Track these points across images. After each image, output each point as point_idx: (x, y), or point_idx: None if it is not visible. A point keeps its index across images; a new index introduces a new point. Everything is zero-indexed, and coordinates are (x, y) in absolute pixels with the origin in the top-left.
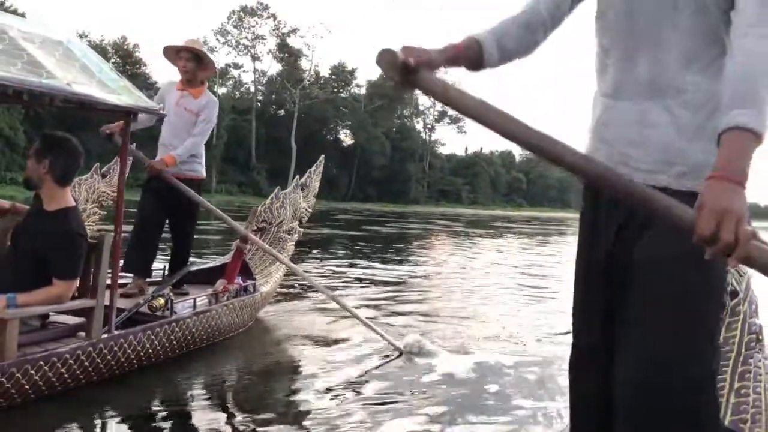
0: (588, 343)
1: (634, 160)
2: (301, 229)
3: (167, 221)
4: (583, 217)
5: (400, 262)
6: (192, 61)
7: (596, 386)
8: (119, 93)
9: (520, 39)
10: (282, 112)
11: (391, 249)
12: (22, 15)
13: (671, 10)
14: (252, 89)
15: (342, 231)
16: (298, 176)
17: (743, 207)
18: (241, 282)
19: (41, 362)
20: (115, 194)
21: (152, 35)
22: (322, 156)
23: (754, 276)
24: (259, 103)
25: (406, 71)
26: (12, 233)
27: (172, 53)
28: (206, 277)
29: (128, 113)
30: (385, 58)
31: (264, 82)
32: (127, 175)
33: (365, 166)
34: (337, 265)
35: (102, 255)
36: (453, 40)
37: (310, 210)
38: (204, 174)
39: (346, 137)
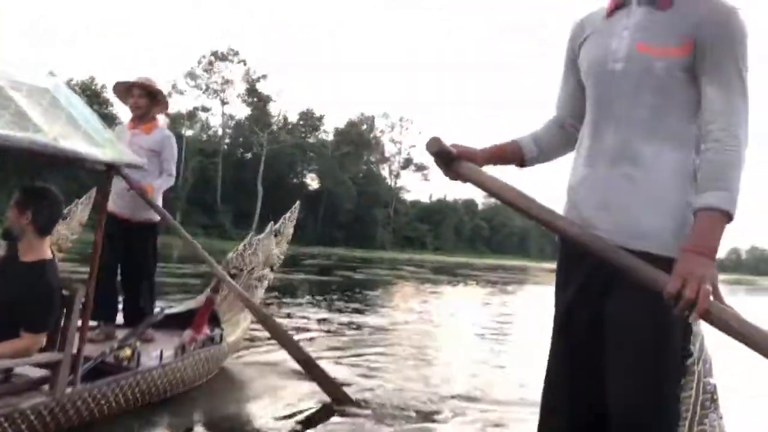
0: (557, 396)
1: (598, 222)
2: (272, 276)
3: (124, 265)
4: (557, 272)
5: (378, 309)
6: (144, 98)
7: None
8: (103, 146)
9: (557, 138)
10: (249, 155)
11: (368, 295)
12: None
13: (634, 89)
14: (220, 132)
15: (316, 276)
16: (272, 222)
17: (707, 273)
18: (208, 332)
19: (1, 419)
20: (75, 236)
21: (121, 76)
22: (297, 202)
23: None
24: (226, 146)
25: (449, 158)
26: None
27: (123, 90)
28: (174, 323)
29: (110, 167)
30: (433, 140)
31: (232, 125)
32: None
33: (332, 210)
34: (317, 312)
35: (74, 309)
36: (496, 142)
37: (282, 257)
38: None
39: (312, 181)
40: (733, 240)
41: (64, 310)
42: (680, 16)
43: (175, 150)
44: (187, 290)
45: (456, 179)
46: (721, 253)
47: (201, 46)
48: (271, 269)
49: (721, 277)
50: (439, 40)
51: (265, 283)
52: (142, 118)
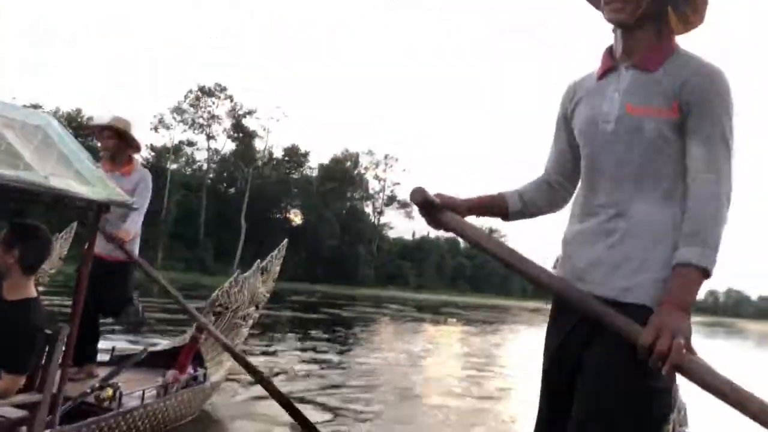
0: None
1: (588, 275)
2: (257, 315)
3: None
4: (549, 318)
5: (365, 348)
6: (114, 139)
7: None
8: (94, 185)
9: (543, 195)
10: (233, 190)
11: (355, 334)
12: None
13: (625, 148)
14: (205, 167)
15: (302, 314)
16: (259, 260)
17: (681, 326)
18: (192, 371)
19: None
20: (53, 270)
21: (109, 108)
22: (285, 240)
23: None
24: (210, 181)
25: (432, 208)
26: None
27: (96, 131)
28: (157, 361)
29: (101, 206)
30: (417, 191)
31: (217, 160)
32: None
33: (315, 246)
34: (305, 350)
35: (56, 349)
36: (480, 193)
37: (268, 295)
38: (136, 255)
39: (296, 217)
40: (710, 282)
41: (46, 349)
42: (667, 78)
43: (150, 187)
44: (170, 324)
45: (439, 228)
46: (699, 295)
47: (201, 47)
48: (257, 308)
49: (699, 319)
50: (436, 44)
51: (250, 322)
52: (114, 159)
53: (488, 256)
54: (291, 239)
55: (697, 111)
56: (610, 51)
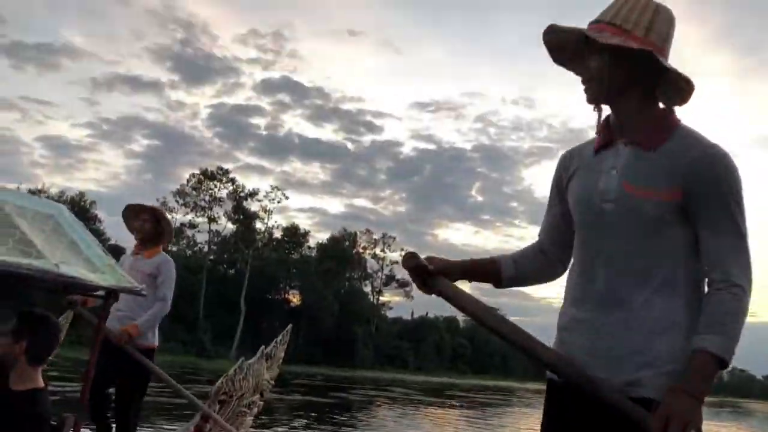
0: None
1: (588, 368)
2: (261, 402)
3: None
4: (545, 398)
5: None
6: (150, 222)
7: None
8: (103, 272)
9: (537, 263)
10: (232, 271)
11: (369, 417)
12: None
13: (624, 231)
14: (206, 249)
15: (313, 397)
16: (263, 346)
17: (693, 415)
18: None
19: None
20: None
21: (110, 193)
22: (290, 326)
23: None
24: (210, 262)
25: (425, 273)
26: None
27: (132, 212)
28: None
29: (110, 293)
30: (409, 256)
31: (217, 241)
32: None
33: (313, 327)
34: None
35: None
36: (474, 257)
37: (273, 382)
38: (156, 343)
39: (294, 298)
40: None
41: None
42: (668, 160)
43: (172, 274)
44: (176, 410)
45: (431, 293)
46: None
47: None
48: (261, 395)
49: (706, 399)
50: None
51: (255, 410)
52: (146, 243)
53: (486, 329)
54: (289, 321)
55: (705, 199)
56: (608, 123)
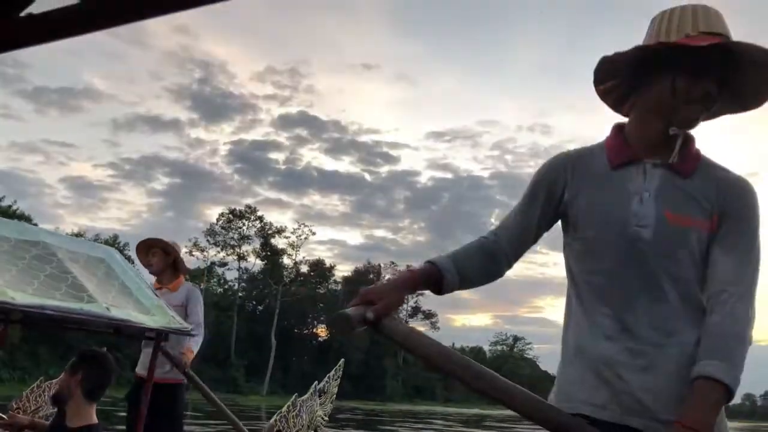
0: None
1: (647, 405)
2: None
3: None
4: None
5: None
6: (159, 257)
7: None
8: (153, 314)
9: (482, 267)
10: (261, 307)
11: None
12: (23, 216)
13: (666, 259)
14: (236, 286)
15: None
16: (317, 382)
17: None
18: None
19: None
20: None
21: (133, 231)
22: (342, 360)
23: None
24: (239, 299)
25: (371, 325)
26: None
27: (143, 249)
28: None
29: (159, 334)
30: (341, 323)
31: (246, 278)
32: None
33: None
34: None
35: None
36: (412, 267)
37: (326, 418)
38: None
39: (322, 332)
40: (747, 386)
41: None
42: (702, 187)
43: (200, 302)
44: None
45: (379, 335)
46: (736, 399)
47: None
48: (315, 431)
49: (738, 425)
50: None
51: None
52: (163, 276)
53: (450, 376)
54: (319, 355)
55: (734, 226)
56: (622, 135)
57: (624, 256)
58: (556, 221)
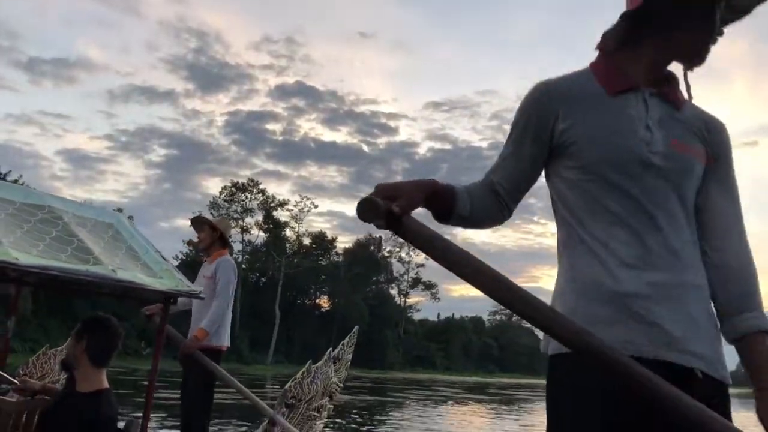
0: None
1: (691, 345)
2: (331, 406)
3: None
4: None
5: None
6: (205, 233)
7: None
8: (161, 276)
9: (487, 209)
10: (264, 279)
11: (446, 412)
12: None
13: (677, 189)
14: (239, 259)
15: (380, 397)
16: (331, 348)
17: None
18: None
19: None
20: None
21: (131, 203)
22: (356, 327)
23: None
24: (242, 271)
25: (391, 217)
26: (41, 414)
27: (196, 225)
28: None
29: (168, 297)
30: (368, 207)
31: (249, 251)
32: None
33: (344, 331)
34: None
35: None
36: (435, 177)
37: (341, 384)
38: (227, 343)
39: (324, 303)
40: None
41: None
42: (694, 120)
43: (229, 273)
44: (245, 416)
45: (397, 235)
46: (731, 365)
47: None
48: (330, 398)
49: (734, 390)
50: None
51: (324, 414)
52: (208, 251)
53: (471, 284)
54: (321, 325)
55: (724, 164)
56: (614, 63)
57: (639, 182)
58: (547, 156)
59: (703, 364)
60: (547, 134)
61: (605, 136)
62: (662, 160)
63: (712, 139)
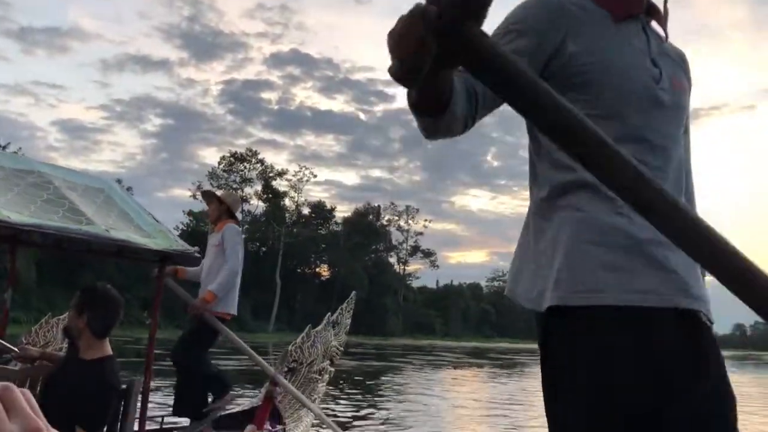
0: None
1: (695, 290)
2: (332, 369)
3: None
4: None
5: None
6: (214, 205)
7: None
8: (155, 237)
9: (462, 110)
10: (264, 248)
11: (445, 376)
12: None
13: (678, 127)
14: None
15: (385, 362)
16: (330, 313)
17: None
18: (270, 427)
19: None
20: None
21: (128, 174)
22: (354, 293)
23: None
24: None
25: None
26: (44, 381)
27: (206, 199)
28: (234, 423)
29: (164, 257)
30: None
31: (249, 220)
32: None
33: (344, 299)
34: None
35: (130, 403)
36: None
37: (341, 348)
38: (233, 311)
39: (324, 271)
40: (737, 316)
41: (121, 407)
42: (676, 53)
43: (234, 239)
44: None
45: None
46: (726, 329)
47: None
48: (331, 362)
49: (729, 353)
50: None
51: (326, 377)
52: (215, 223)
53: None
54: (322, 293)
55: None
56: None
57: (650, 122)
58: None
59: (704, 309)
60: (549, 51)
61: (621, 68)
62: (668, 96)
63: (688, 75)
